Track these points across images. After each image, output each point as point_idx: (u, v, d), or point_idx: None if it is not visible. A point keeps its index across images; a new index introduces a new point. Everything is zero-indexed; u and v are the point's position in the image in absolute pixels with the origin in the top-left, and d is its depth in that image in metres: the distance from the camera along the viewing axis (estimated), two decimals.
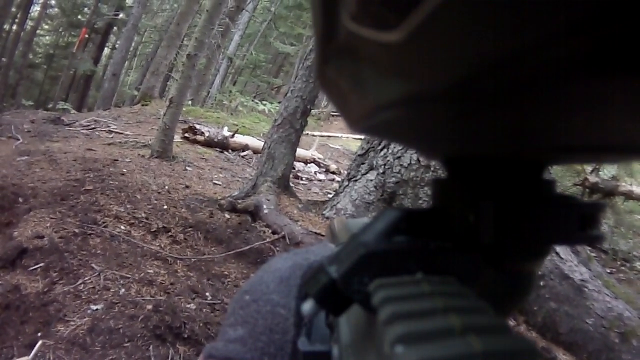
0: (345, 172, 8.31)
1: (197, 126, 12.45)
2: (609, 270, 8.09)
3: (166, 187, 7.40)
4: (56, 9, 32.07)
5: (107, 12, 28.46)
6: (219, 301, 4.62)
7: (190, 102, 19.67)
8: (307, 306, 0.46)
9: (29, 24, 29.70)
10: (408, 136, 0.48)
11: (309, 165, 13.56)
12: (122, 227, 5.65)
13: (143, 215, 6.06)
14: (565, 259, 5.66)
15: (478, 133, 0.35)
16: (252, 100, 24.75)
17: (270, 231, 6.31)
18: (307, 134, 17.28)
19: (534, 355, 0.29)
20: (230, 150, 12.44)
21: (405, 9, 0.23)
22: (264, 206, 6.81)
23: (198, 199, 7.14)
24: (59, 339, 3.66)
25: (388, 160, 6.97)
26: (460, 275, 0.40)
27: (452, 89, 0.26)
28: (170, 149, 9.67)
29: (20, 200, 5.95)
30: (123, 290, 4.39)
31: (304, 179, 12.01)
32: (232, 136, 12.69)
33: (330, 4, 0.31)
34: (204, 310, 4.41)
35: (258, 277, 0.90)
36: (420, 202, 6.65)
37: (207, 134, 12.17)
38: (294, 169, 11.25)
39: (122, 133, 12.22)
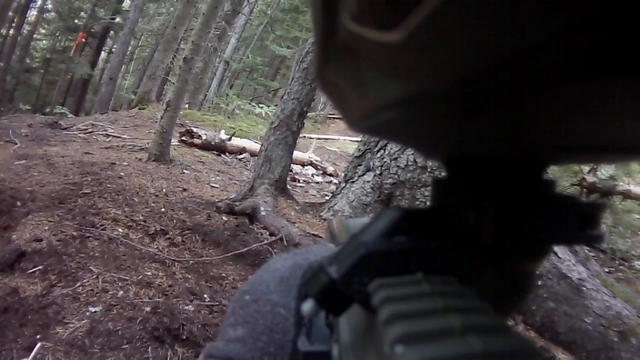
0: (343, 174, 8.31)
1: (195, 129, 12.44)
2: (607, 270, 8.08)
3: (164, 190, 7.39)
4: (53, 13, 32.04)
5: (103, 16, 28.43)
6: (217, 303, 4.62)
7: (187, 106, 19.67)
8: (307, 306, 0.46)
9: (26, 28, 29.76)
10: (408, 136, 0.48)
11: (306, 167, 13.55)
12: (120, 230, 5.65)
13: (141, 218, 6.06)
14: (563, 259, 5.66)
15: (478, 133, 0.35)
16: (249, 104, 24.75)
17: (267, 233, 6.31)
18: (305, 136, 17.30)
19: (534, 355, 0.29)
20: (227, 153, 12.43)
21: (406, 9, 0.23)
22: (262, 208, 6.81)
23: (196, 202, 7.14)
24: (58, 341, 3.65)
25: (385, 162, 6.97)
26: (460, 275, 0.40)
27: (452, 89, 0.26)
28: (168, 152, 9.67)
29: (19, 203, 5.95)
30: (121, 292, 4.38)
31: (301, 181, 12.02)
32: (230, 139, 12.69)
33: (330, 4, 0.31)
34: (202, 312, 4.40)
35: (258, 277, 0.90)
36: (417, 203, 6.66)
37: (204, 137, 12.16)
38: (292, 171, 11.25)
39: (119, 137, 12.20)
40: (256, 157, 9.22)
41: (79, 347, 3.63)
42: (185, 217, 6.41)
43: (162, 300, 4.39)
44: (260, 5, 32.25)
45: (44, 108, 26.22)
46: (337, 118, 29.26)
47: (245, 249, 5.77)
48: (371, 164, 7.12)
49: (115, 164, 8.42)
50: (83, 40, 27.46)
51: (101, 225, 5.57)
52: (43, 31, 34.22)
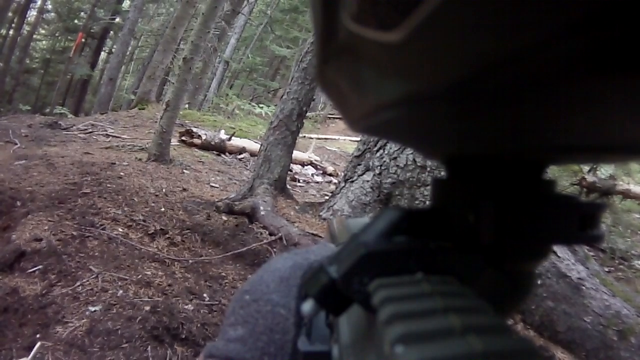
0: (342, 173, 8.31)
1: (194, 129, 12.44)
2: (606, 269, 8.08)
3: (163, 190, 7.40)
4: (52, 14, 32.07)
5: (103, 16, 28.47)
6: (217, 302, 4.62)
7: (187, 106, 19.64)
8: (307, 306, 0.46)
9: (26, 28, 29.75)
10: (408, 136, 0.48)
11: (306, 167, 13.55)
12: (120, 230, 5.65)
13: (140, 217, 6.06)
14: (563, 258, 5.66)
15: (478, 133, 0.35)
16: (249, 104, 24.72)
17: (267, 233, 6.31)
18: (304, 136, 17.30)
19: (534, 355, 0.29)
20: (227, 153, 12.43)
21: (406, 9, 0.23)
22: (261, 208, 6.82)
23: (195, 202, 7.14)
24: (58, 340, 3.65)
25: (384, 161, 6.98)
26: (460, 275, 0.40)
27: (452, 89, 0.26)
28: (168, 152, 9.67)
29: (18, 204, 5.95)
30: (121, 291, 4.38)
31: (301, 181, 12.01)
32: (229, 139, 12.68)
33: (330, 4, 0.32)
34: (202, 311, 4.40)
35: (258, 276, 0.90)
36: (417, 202, 6.66)
37: (204, 137, 12.16)
38: (291, 171, 11.26)
39: (119, 137, 12.20)
40: (256, 157, 9.22)
41: (79, 347, 3.63)
42: (184, 217, 6.41)
43: (162, 299, 4.39)
44: (260, 5, 32.27)
45: (43, 108, 26.24)
46: (336, 118, 29.26)
47: (245, 248, 5.78)
48: (370, 163, 7.13)
49: (115, 164, 8.42)
50: (82, 40, 27.51)
51: (101, 225, 5.57)
52: (43, 32, 34.23)
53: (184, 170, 9.34)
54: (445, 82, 0.26)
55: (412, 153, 6.79)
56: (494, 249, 0.42)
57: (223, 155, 12.18)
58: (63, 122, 13.88)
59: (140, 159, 9.39)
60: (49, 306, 4.01)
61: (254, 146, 12.37)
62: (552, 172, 6.98)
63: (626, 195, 10.27)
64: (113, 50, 29.34)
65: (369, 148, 7.25)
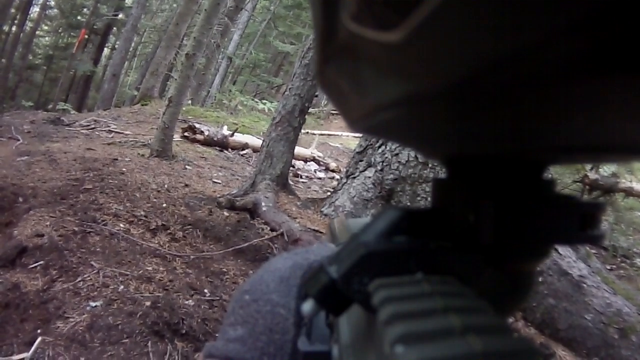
0: (344, 169, 8.32)
1: (197, 125, 12.46)
2: (608, 267, 8.11)
3: (165, 186, 7.40)
4: (55, 10, 32.07)
5: (106, 12, 28.45)
6: (218, 298, 4.63)
7: (190, 102, 19.68)
8: (307, 306, 0.46)
9: (28, 25, 29.75)
10: (408, 136, 0.48)
11: (308, 163, 13.57)
12: (122, 225, 5.66)
13: (142, 213, 6.07)
14: (564, 255, 5.66)
15: (478, 133, 0.35)
16: (252, 100, 24.77)
17: (268, 228, 6.33)
18: (307, 132, 17.33)
19: (534, 355, 0.29)
20: (229, 149, 12.45)
21: (405, 9, 0.23)
22: (263, 204, 6.83)
23: (197, 198, 7.15)
24: (59, 335, 3.66)
25: (386, 158, 6.99)
26: (460, 275, 0.40)
27: (452, 89, 0.26)
28: (170, 148, 9.68)
29: (20, 199, 5.96)
30: (122, 287, 4.39)
31: (303, 177, 12.03)
32: (232, 135, 12.70)
33: (330, 4, 0.31)
34: (202, 306, 4.41)
35: (258, 276, 0.90)
36: (418, 198, 6.67)
37: (206, 133, 12.19)
38: (294, 167, 11.28)
39: (121, 133, 12.23)
40: (258, 153, 9.23)
41: (80, 342, 3.64)
42: (186, 213, 6.42)
43: (163, 295, 4.40)
44: (263, 1, 32.29)
45: (46, 105, 26.21)
46: (339, 115, 29.31)
47: (246, 244, 5.79)
48: (372, 159, 7.14)
49: (117, 159, 8.44)
50: (85, 37, 27.48)
51: (102, 221, 5.58)
52: (45, 28, 34.28)
53: (186, 166, 9.35)
54: (445, 82, 0.26)
55: (415, 152, 6.79)
56: (494, 249, 0.41)
57: (225, 151, 12.20)
58: (66, 118, 13.91)
59: (142, 155, 9.41)
60: (50, 301, 4.03)
61: (257, 142, 12.38)
62: (555, 169, 6.99)
63: (629, 193, 10.27)
64: (116, 46, 29.41)
65: (371, 144, 7.26)
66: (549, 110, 0.26)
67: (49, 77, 31.44)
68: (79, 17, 30.47)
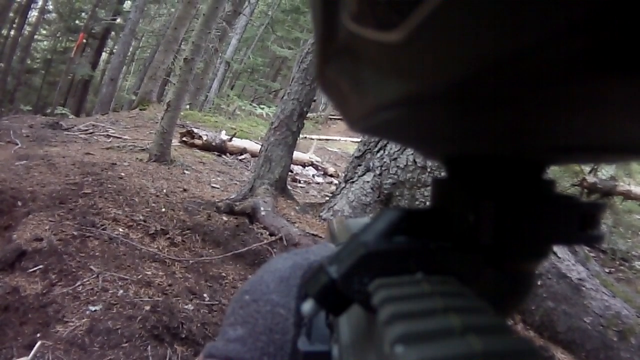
0: (343, 174, 8.32)
1: (195, 130, 12.45)
2: (607, 270, 8.09)
3: (164, 191, 7.40)
4: (54, 14, 32.07)
5: (104, 17, 28.47)
6: (217, 302, 4.63)
7: (188, 106, 19.66)
8: (307, 306, 0.46)
9: (27, 29, 29.75)
10: (408, 136, 0.48)
11: (307, 168, 13.56)
12: (121, 230, 5.65)
13: (141, 218, 6.06)
14: (563, 258, 5.67)
15: (478, 133, 0.35)
16: (250, 104, 24.74)
17: (267, 233, 6.32)
18: (305, 137, 17.31)
19: (534, 355, 0.29)
20: (228, 154, 12.45)
21: (406, 9, 0.23)
22: (262, 208, 6.82)
23: (196, 202, 7.15)
24: (58, 339, 3.66)
25: (384, 162, 6.98)
26: (460, 275, 0.40)
27: (452, 89, 0.26)
28: (168, 152, 9.67)
29: (19, 203, 5.96)
30: (121, 291, 4.39)
31: (302, 181, 12.02)
32: (230, 140, 12.69)
33: (330, 5, 0.32)
34: (202, 311, 4.41)
35: (258, 277, 0.90)
36: (417, 203, 6.67)
37: (205, 138, 12.18)
38: (292, 172, 11.27)
39: (120, 137, 12.22)
40: (256, 158, 9.22)
41: (79, 346, 3.64)
42: (185, 217, 6.42)
43: (162, 299, 4.40)
44: (261, 6, 32.28)
45: (44, 109, 26.24)
46: (338, 119, 29.25)
47: (245, 248, 5.78)
48: (371, 164, 7.13)
49: (116, 164, 8.44)
50: (84, 41, 27.50)
51: (101, 225, 5.58)
52: (44, 32, 34.23)
53: (185, 171, 9.35)
54: (445, 82, 0.26)
55: (412, 154, 6.80)
56: (494, 249, 0.41)
57: (224, 156, 12.20)
58: (64, 122, 13.91)
59: (141, 160, 9.40)
60: (49, 305, 4.02)
61: (255, 147, 12.37)
62: (553, 172, 6.98)
63: (627, 196, 10.28)
64: (114, 50, 29.35)
65: (370, 149, 7.26)
66: (549, 110, 0.26)
67: (47, 81, 31.44)
68: (77, 21, 30.48)
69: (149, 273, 4.85)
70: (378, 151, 7.12)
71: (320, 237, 6.33)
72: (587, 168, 9.58)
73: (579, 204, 0.41)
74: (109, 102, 22.93)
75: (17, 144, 9.90)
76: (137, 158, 9.53)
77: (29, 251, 4.65)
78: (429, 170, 6.72)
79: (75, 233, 5.20)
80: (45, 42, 35.63)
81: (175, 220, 6.23)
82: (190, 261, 5.34)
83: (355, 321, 0.51)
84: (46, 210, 5.68)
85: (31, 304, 4.00)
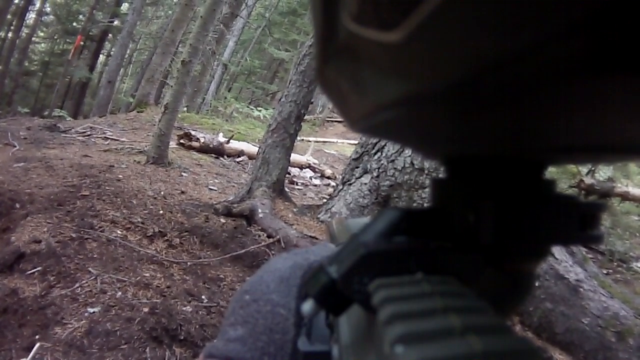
0: (340, 176, 8.32)
1: (193, 132, 12.44)
2: (605, 271, 8.10)
3: (162, 193, 7.40)
4: (51, 17, 32.07)
5: (102, 19, 28.47)
6: (215, 304, 4.63)
7: (185, 109, 19.64)
8: (307, 306, 0.46)
9: (25, 31, 29.74)
10: (408, 136, 0.48)
11: (304, 170, 13.55)
12: (119, 232, 5.65)
13: (139, 220, 6.06)
14: (561, 260, 5.67)
15: (478, 133, 0.35)
16: (248, 107, 24.74)
17: (265, 235, 6.32)
18: (303, 139, 17.29)
19: (534, 355, 0.29)
20: (225, 156, 12.43)
21: (406, 9, 0.23)
22: (259, 210, 6.82)
23: (194, 204, 7.14)
24: (57, 341, 3.66)
25: (382, 164, 6.99)
26: (460, 275, 0.40)
27: (452, 89, 0.26)
28: (166, 155, 9.66)
29: (17, 206, 5.95)
30: (120, 293, 4.39)
31: (299, 184, 12.01)
32: (228, 142, 12.68)
33: (330, 5, 0.32)
34: (200, 312, 4.41)
35: (258, 277, 0.91)
36: (415, 205, 6.66)
37: (202, 140, 12.17)
38: (290, 174, 11.26)
39: (118, 139, 12.21)
40: (254, 160, 9.22)
41: (78, 348, 3.64)
42: (183, 219, 6.41)
43: (160, 301, 4.40)
44: (259, 8, 32.30)
45: (42, 111, 26.24)
46: (335, 121, 29.26)
47: (243, 250, 5.78)
48: (368, 166, 7.14)
49: (113, 166, 8.44)
50: (81, 43, 27.48)
51: (100, 227, 5.57)
52: (41, 34, 34.24)
53: (183, 173, 9.35)
54: (445, 82, 0.26)
55: (410, 156, 6.80)
56: (494, 249, 0.42)
57: (221, 158, 12.19)
58: (62, 124, 13.91)
59: (138, 162, 9.39)
60: (48, 307, 4.02)
61: (252, 149, 12.36)
62: (550, 174, 7.01)
63: (625, 197, 10.30)
64: (112, 53, 29.38)
65: (367, 151, 7.27)
66: (549, 110, 0.27)
67: (45, 84, 31.45)
68: (74, 24, 30.49)
69: (147, 275, 4.84)
70: (375, 153, 7.13)
71: (318, 239, 6.33)
72: (584, 169, 9.60)
73: (579, 203, 0.41)
74: (106, 105, 22.91)
75: (15, 146, 9.89)
76: (135, 160, 9.52)
77: (28, 253, 4.64)
78: (426, 172, 6.73)
79: (73, 235, 5.20)
80: (42, 45, 35.64)
81: (173, 223, 6.23)
82: (189, 263, 5.34)
83: (355, 321, 0.51)
84: (44, 212, 5.67)
85: (30, 306, 4.00)
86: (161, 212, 6.48)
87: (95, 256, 4.95)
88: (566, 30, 0.18)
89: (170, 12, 31.34)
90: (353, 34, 0.29)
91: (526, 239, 0.40)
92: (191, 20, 18.24)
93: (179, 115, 13.00)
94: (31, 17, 30.70)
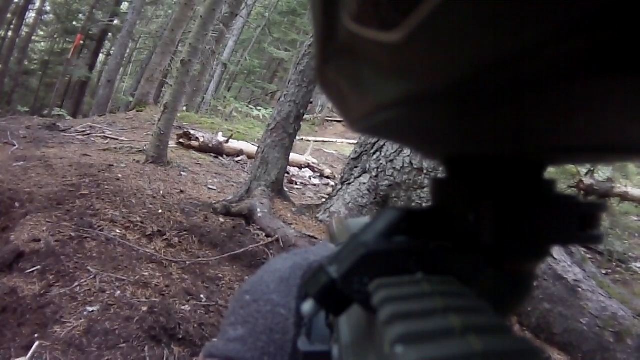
0: (339, 176, 8.32)
1: (192, 132, 12.43)
2: (604, 272, 8.10)
3: (161, 192, 7.40)
4: (51, 16, 32.04)
5: (101, 18, 28.45)
6: (214, 303, 4.63)
7: (185, 108, 19.63)
8: (307, 306, 0.47)
9: (24, 30, 29.73)
10: (408, 136, 0.48)
11: (303, 170, 13.55)
12: (118, 231, 5.65)
13: (138, 219, 6.06)
14: (559, 260, 5.67)
15: (478, 133, 0.35)
16: (247, 106, 24.74)
17: (264, 234, 6.32)
18: (302, 139, 17.28)
19: (534, 355, 0.29)
20: (225, 156, 12.42)
21: (406, 9, 0.23)
22: (258, 210, 6.82)
23: (193, 204, 7.14)
24: (56, 340, 3.66)
25: (381, 164, 7.00)
26: (460, 275, 0.40)
27: (452, 89, 0.26)
28: (165, 154, 9.66)
29: (17, 205, 5.95)
30: (118, 292, 4.39)
31: (298, 183, 12.01)
32: (227, 141, 12.67)
33: (330, 5, 0.32)
34: (199, 311, 4.41)
35: (258, 277, 0.91)
36: (413, 204, 6.66)
37: (201, 140, 12.15)
38: (289, 173, 11.27)
39: (117, 139, 12.21)
40: (253, 160, 9.22)
41: (77, 346, 3.64)
42: (182, 219, 6.41)
43: (159, 300, 4.40)
44: (258, 8, 32.30)
45: (42, 110, 26.18)
46: (335, 121, 29.25)
47: (242, 250, 5.78)
48: (367, 165, 7.14)
49: (113, 165, 8.43)
50: (81, 42, 27.48)
51: (99, 226, 5.57)
52: (41, 33, 34.21)
53: (182, 173, 9.34)
54: (445, 82, 0.26)
55: (408, 155, 6.81)
56: (494, 249, 0.41)
57: (221, 158, 12.18)
58: (61, 123, 13.89)
59: (138, 161, 9.39)
60: (47, 306, 4.02)
61: (252, 148, 12.35)
62: (550, 174, 7.01)
63: (624, 197, 10.30)
64: (111, 52, 29.36)
65: (366, 150, 7.27)
66: (549, 110, 0.26)
67: (44, 83, 31.43)
68: (74, 23, 30.46)
69: (146, 274, 4.84)
70: (374, 153, 7.14)
71: (317, 238, 6.33)
72: (583, 169, 9.60)
73: (579, 204, 0.41)
74: (106, 104, 22.90)
75: (15, 145, 9.88)
76: (134, 160, 9.52)
77: (27, 252, 4.65)
78: (425, 172, 6.73)
79: (72, 234, 5.20)
80: (42, 44, 35.63)
81: (172, 222, 6.23)
82: (187, 262, 5.34)
83: (355, 321, 0.51)
84: (44, 211, 5.67)
85: (29, 304, 4.01)
86: (160, 211, 6.48)
87: (94, 255, 4.95)
88: (566, 30, 0.18)
89: (170, 11, 31.32)
90: (353, 34, 0.29)
91: (526, 239, 0.40)
92: (191, 19, 18.25)
93: (179, 115, 12.99)
94: (31, 16, 30.70)
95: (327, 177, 13.64)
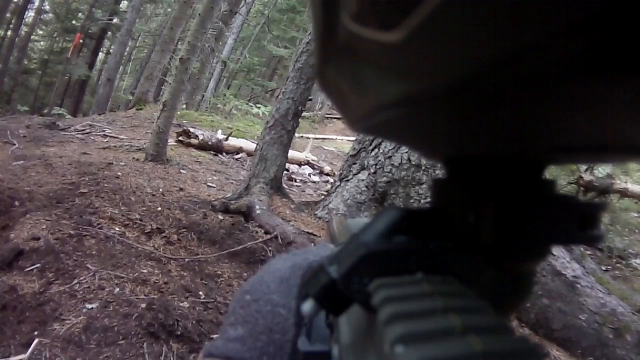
0: (338, 172, 8.32)
1: (191, 129, 12.42)
2: (604, 268, 8.11)
3: (160, 190, 7.40)
4: (50, 15, 32.01)
5: (101, 17, 28.44)
6: (212, 300, 4.63)
7: (184, 106, 19.63)
8: (307, 306, 0.47)
9: (24, 29, 29.73)
10: (408, 136, 0.48)
11: (303, 167, 13.55)
12: (117, 229, 5.65)
13: (137, 216, 6.06)
14: (558, 256, 5.67)
15: (478, 133, 0.35)
16: (246, 104, 24.69)
17: (262, 231, 6.32)
18: (302, 136, 17.33)
19: (534, 354, 0.29)
20: (224, 153, 12.43)
21: (406, 9, 0.23)
22: (257, 207, 6.82)
23: (192, 201, 7.14)
24: (55, 337, 3.67)
25: (379, 160, 7.01)
26: (460, 275, 0.40)
27: (452, 89, 0.26)
28: (165, 152, 9.66)
29: (17, 203, 5.95)
30: (118, 289, 4.39)
31: (298, 180, 12.01)
32: (226, 139, 12.67)
33: (330, 4, 0.32)
34: (197, 308, 4.42)
35: (258, 277, 0.91)
36: (412, 201, 6.69)
37: (201, 137, 12.15)
38: (288, 170, 11.27)
39: (116, 137, 12.21)
40: (252, 157, 9.22)
41: (76, 343, 3.65)
42: (181, 216, 6.41)
43: (158, 297, 4.41)
44: (258, 5, 32.33)
45: (41, 109, 26.23)
46: (334, 118, 29.30)
47: (240, 247, 5.78)
48: (366, 162, 7.15)
49: (112, 164, 8.43)
50: (80, 41, 27.49)
51: (98, 224, 5.58)
52: (41, 32, 34.22)
53: (181, 170, 9.34)
54: (445, 82, 0.26)
55: (407, 152, 6.82)
56: (494, 249, 0.41)
57: (220, 155, 12.18)
58: (61, 122, 13.91)
59: (137, 159, 9.39)
60: (46, 304, 4.03)
61: (251, 146, 12.34)
62: (551, 171, 7.00)
63: (624, 194, 10.28)
64: (111, 50, 29.40)
65: (365, 147, 7.28)
66: (549, 110, 0.26)
67: (44, 82, 31.44)
68: (74, 22, 30.44)
69: (145, 271, 4.85)
70: (373, 149, 7.14)
71: (315, 235, 6.34)
72: (583, 166, 9.59)
73: (579, 203, 0.41)
74: (105, 102, 22.92)
75: (15, 144, 9.88)
76: (134, 157, 9.52)
77: (26, 250, 4.65)
78: (423, 168, 6.74)
79: (72, 232, 5.20)
80: (42, 43, 35.64)
81: (171, 219, 6.23)
82: (186, 259, 5.34)
83: (355, 321, 0.51)
84: (43, 209, 5.68)
85: (28, 302, 4.01)
86: (159, 209, 6.48)
87: (93, 253, 4.96)
88: (566, 30, 0.18)
89: (169, 9, 31.32)
90: (353, 33, 0.29)
91: (526, 239, 0.40)
92: (190, 17, 18.25)
93: (178, 113, 12.99)
94: (30, 15, 30.69)
95: (327, 174, 13.64)
